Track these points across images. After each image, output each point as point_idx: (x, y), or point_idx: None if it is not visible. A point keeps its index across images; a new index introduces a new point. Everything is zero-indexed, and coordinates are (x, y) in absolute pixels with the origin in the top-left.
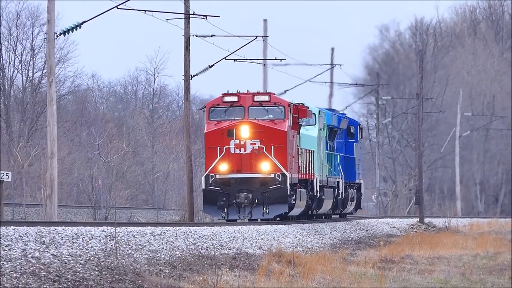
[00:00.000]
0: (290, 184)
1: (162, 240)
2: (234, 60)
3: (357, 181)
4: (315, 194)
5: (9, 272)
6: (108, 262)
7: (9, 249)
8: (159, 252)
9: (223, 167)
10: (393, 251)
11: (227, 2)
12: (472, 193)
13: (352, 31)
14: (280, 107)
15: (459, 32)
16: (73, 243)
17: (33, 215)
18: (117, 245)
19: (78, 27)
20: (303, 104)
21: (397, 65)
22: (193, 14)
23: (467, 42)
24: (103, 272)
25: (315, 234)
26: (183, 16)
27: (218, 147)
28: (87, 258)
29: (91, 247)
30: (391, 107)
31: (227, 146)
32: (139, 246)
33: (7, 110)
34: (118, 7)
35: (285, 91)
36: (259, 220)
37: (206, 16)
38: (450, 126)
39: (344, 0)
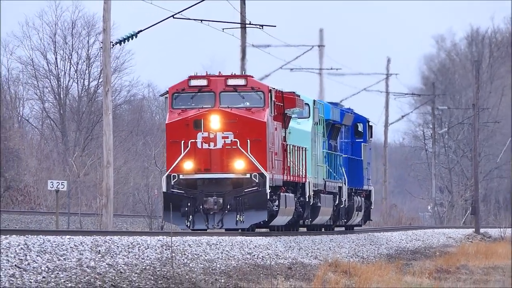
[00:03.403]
0: (271, 186)
1: (218, 249)
2: (291, 69)
3: (365, 187)
4: (307, 200)
5: (64, 281)
6: (164, 271)
7: (64, 258)
8: (215, 262)
9: (188, 166)
10: (448, 261)
11: (283, 12)
12: None
13: (408, 41)
14: (258, 92)
15: None
16: (129, 252)
17: (88, 225)
18: (173, 254)
19: (134, 36)
20: (293, 92)
21: (453, 75)
22: (249, 23)
23: None
24: (159, 282)
25: (370, 244)
26: (239, 25)
27: (183, 141)
28: (143, 267)
29: (147, 256)
30: (447, 117)
31: (193, 140)
32: (195, 256)
33: (62, 119)
34: (174, 16)
35: (341, 100)
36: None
37: (262, 26)
38: (506, 137)
39: (400, 10)
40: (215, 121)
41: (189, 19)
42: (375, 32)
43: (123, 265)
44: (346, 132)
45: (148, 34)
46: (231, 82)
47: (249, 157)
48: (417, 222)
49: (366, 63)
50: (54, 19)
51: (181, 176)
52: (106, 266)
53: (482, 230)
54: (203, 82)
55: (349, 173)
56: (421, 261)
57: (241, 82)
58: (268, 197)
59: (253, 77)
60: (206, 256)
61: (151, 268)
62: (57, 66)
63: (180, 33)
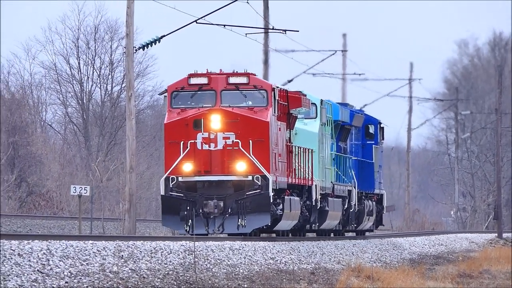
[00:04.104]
0: (274, 189)
1: (241, 254)
2: (314, 74)
3: (376, 191)
4: (314, 203)
5: (87, 287)
6: (187, 276)
7: (87, 263)
8: (238, 267)
9: (188, 167)
10: (471, 266)
11: (306, 17)
12: None
13: (431, 46)
14: (261, 91)
15: None
16: (152, 257)
17: (111, 230)
18: (196, 259)
19: (157, 41)
20: (300, 91)
21: (476, 80)
22: (272, 28)
23: None
24: (182, 287)
25: (393, 249)
26: (262, 30)
27: (182, 142)
28: (166, 272)
29: (170, 261)
30: (470, 122)
31: (193, 141)
32: (218, 261)
33: (85, 124)
34: (197, 21)
35: (364, 105)
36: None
37: (285, 30)
38: None
39: (423, 15)
40: (215, 121)
41: (212, 24)
42: (398, 37)
43: (146, 270)
44: (356, 134)
45: (171, 39)
46: (232, 80)
47: (251, 158)
48: (440, 227)
49: (389, 68)
50: (77, 23)
51: (180, 179)
52: (129, 271)
53: (504, 235)
54: (204, 80)
55: (359, 176)
56: (444, 266)
57: (243, 80)
58: (271, 201)
59: (255, 75)
60: (229, 261)
61: (174, 273)
62: (80, 71)
63: (203, 38)
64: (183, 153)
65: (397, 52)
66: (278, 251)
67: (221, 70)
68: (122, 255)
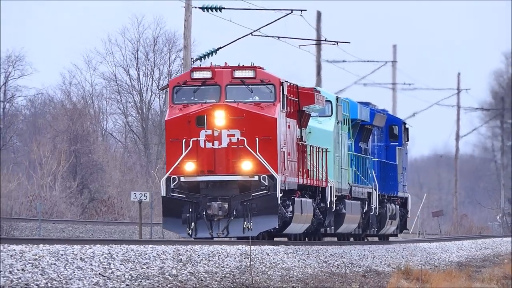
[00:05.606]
0: (283, 190)
1: (295, 258)
2: (365, 84)
3: (400, 194)
4: (328, 206)
5: None
6: (243, 279)
7: (147, 267)
8: (292, 270)
9: (190, 167)
10: None
11: (357, 28)
12: None
13: (479, 56)
14: (269, 85)
15: None
16: (209, 261)
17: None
18: (252, 262)
19: (214, 53)
20: (313, 88)
21: None
22: (325, 40)
23: None
24: None
25: (442, 253)
26: (315, 42)
27: (184, 140)
28: (223, 275)
29: (227, 264)
30: None
31: (196, 139)
32: (273, 264)
33: (145, 133)
34: (253, 33)
35: (414, 114)
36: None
37: (337, 42)
38: None
39: (471, 25)
40: (220, 117)
41: (267, 36)
42: (446, 47)
43: (203, 273)
44: (379, 134)
45: (227, 50)
46: (238, 74)
47: (258, 157)
48: (486, 231)
49: (438, 78)
50: (136, 36)
51: (182, 179)
52: (188, 274)
53: None
54: (207, 74)
55: (381, 178)
56: (490, 268)
57: (250, 74)
58: (280, 202)
59: (263, 68)
60: (283, 264)
61: (231, 276)
62: (140, 82)
63: (258, 50)
64: (185, 151)
65: (445, 62)
66: (330, 254)
67: (226, 63)
68: (181, 259)
